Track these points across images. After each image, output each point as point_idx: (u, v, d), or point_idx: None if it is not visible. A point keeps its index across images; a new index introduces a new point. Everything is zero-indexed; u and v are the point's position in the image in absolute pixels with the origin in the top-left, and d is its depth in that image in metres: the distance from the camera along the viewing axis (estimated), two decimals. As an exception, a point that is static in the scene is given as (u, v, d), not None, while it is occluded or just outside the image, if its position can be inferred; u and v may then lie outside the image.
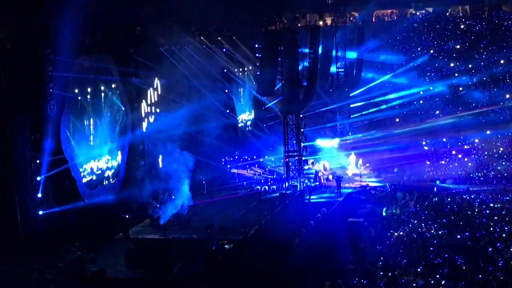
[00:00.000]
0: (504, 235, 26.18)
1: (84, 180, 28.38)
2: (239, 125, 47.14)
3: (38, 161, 26.24)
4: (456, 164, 43.86)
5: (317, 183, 42.77)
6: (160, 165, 33.59)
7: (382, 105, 53.08)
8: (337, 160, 46.31)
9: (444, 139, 47.84)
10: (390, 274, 22.48)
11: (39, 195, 26.32)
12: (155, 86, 34.51)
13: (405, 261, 23.70)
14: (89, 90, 28.69)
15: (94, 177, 29.13)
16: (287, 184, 38.62)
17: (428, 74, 53.43)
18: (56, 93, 26.60)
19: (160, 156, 33.41)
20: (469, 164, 43.78)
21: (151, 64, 33.60)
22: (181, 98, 36.63)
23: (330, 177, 43.84)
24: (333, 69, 51.48)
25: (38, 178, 26.24)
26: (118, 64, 31.00)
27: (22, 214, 26.12)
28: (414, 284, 21.21)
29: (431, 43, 54.44)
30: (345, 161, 45.64)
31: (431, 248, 24.95)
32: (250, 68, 48.74)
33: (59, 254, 26.22)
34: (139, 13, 31.57)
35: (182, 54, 36.85)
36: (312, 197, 37.89)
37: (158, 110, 34.45)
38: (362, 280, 22.20)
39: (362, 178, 44.00)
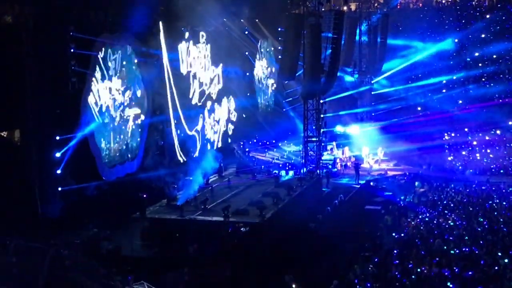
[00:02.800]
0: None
1: (103, 158, 28.46)
2: (259, 109, 47.02)
3: (57, 138, 26.34)
4: (477, 155, 43.48)
5: (336, 169, 42.66)
6: (179, 146, 33.71)
7: (403, 93, 52.73)
8: (357, 147, 46.10)
9: (465, 129, 47.39)
10: (405, 263, 22.39)
11: (58, 171, 26.45)
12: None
13: (421, 251, 23.57)
14: (111, 68, 28.68)
15: (114, 156, 29.21)
16: (305, 169, 38.52)
17: (452, 62, 52.88)
18: (78, 70, 26.67)
19: (179, 137, 33.54)
20: (491, 155, 43.37)
21: (173, 43, 33.50)
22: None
23: (349, 163, 43.69)
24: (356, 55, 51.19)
25: (58, 155, 26.36)
26: (139, 42, 30.90)
27: (40, 191, 26.32)
28: (429, 274, 21.09)
29: (455, 31, 53.83)
30: (365, 148, 45.40)
31: (448, 238, 24.78)
32: (272, 51, 48.57)
33: (75, 231, 26.42)
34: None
35: (206, 35, 36.81)
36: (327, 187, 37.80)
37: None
38: (377, 268, 22.10)
39: (381, 166, 43.82)
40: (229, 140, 40.48)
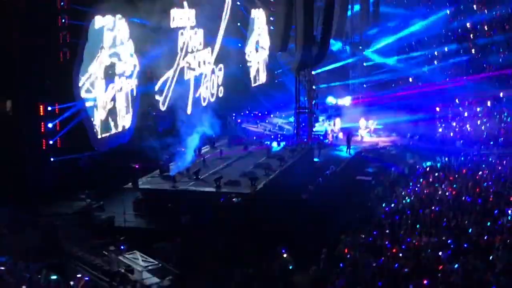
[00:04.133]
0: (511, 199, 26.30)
1: (95, 128, 28.47)
2: (251, 80, 46.91)
3: (49, 108, 26.34)
4: (467, 126, 43.68)
5: (327, 140, 42.81)
6: (172, 116, 33.73)
7: (395, 64, 52.72)
8: (348, 118, 46.18)
9: (456, 101, 47.50)
10: (395, 232, 22.66)
11: (50, 142, 26.48)
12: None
13: (411, 221, 23.84)
14: (104, 40, 28.52)
15: (105, 126, 29.21)
16: (296, 140, 38.58)
17: (444, 33, 52.85)
18: (70, 41, 26.55)
19: (170, 107, 33.55)
20: (482, 127, 43.59)
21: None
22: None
23: (340, 135, 43.83)
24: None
25: (50, 125, 26.37)
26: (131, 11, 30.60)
27: (33, 161, 26.39)
28: (419, 243, 21.38)
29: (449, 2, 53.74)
30: (356, 120, 45.50)
31: (437, 209, 25.05)
32: (264, 22, 48.30)
33: (68, 201, 26.54)
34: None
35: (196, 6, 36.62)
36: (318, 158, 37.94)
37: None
38: (367, 238, 22.36)
39: (373, 136, 43.99)
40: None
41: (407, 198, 27.82)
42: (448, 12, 52.98)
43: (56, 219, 23.93)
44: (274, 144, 37.74)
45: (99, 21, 28.09)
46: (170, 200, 26.55)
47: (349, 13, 49.20)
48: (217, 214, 25.11)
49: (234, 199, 26.49)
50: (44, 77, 26.36)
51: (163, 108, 33.98)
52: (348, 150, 39.81)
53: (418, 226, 23.12)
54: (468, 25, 52.55)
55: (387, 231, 22.86)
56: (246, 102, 46.01)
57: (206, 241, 22.94)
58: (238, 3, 43.60)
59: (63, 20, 26.35)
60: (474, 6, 52.56)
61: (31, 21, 25.36)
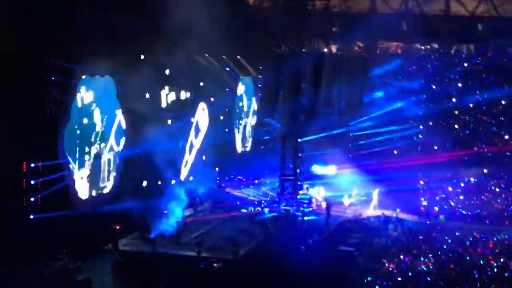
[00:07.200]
0: (496, 273, 26.16)
1: (78, 187, 28.17)
2: (237, 145, 46.98)
3: (32, 165, 26.09)
4: (450, 201, 43.71)
5: (311, 208, 42.59)
6: (155, 179, 33.51)
7: (381, 136, 53.05)
8: (334, 188, 46.08)
9: (441, 177, 47.61)
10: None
11: (31, 199, 26.12)
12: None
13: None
14: (90, 96, 28.54)
15: (88, 186, 28.92)
16: (280, 207, 38.39)
17: (430, 107, 53.57)
18: (57, 97, 26.55)
19: (155, 170, 33.34)
20: (465, 202, 43.65)
21: (157, 80, 33.42)
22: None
23: (324, 204, 43.66)
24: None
25: (32, 182, 26.07)
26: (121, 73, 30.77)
27: (12, 218, 25.92)
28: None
29: (433, 78, 54.68)
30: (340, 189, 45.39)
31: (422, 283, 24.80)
32: (253, 89, 48.72)
33: (46, 260, 25.99)
34: (141, 28, 31.11)
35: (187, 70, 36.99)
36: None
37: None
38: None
39: (356, 207, 43.84)
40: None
41: (389, 270, 27.53)
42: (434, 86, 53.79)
43: (32, 279, 23.39)
44: (258, 210, 37.50)
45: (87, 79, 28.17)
46: (149, 263, 26.10)
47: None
48: (197, 280, 24.67)
49: (215, 264, 26.10)
50: (28, 133, 26.17)
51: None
52: (327, 219, 39.49)
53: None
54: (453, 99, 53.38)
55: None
56: (231, 167, 45.93)
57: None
58: (228, 69, 44.07)
59: (53, 78, 26.38)
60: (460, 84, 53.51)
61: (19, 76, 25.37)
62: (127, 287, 25.10)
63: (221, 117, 41.88)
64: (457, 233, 35.98)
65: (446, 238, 34.63)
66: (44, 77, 26.23)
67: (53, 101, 26.56)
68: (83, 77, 27.93)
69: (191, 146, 38.35)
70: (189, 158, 38.17)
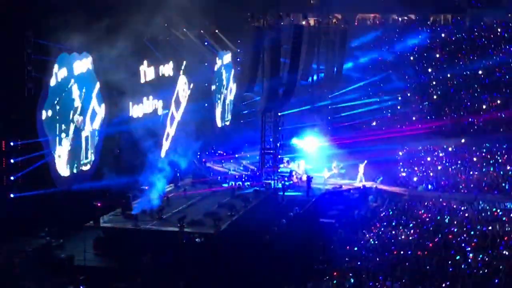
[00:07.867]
0: (473, 244, 26.58)
1: (58, 165, 28.08)
2: (217, 119, 46.98)
3: (12, 144, 25.96)
4: (429, 171, 44.13)
5: (291, 182, 42.83)
6: (136, 155, 33.44)
7: (360, 108, 53.34)
8: (314, 160, 46.30)
9: (419, 147, 48.01)
10: (357, 276, 22.65)
11: (11, 178, 26.04)
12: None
13: (373, 264, 23.87)
14: (67, 73, 28.33)
15: (68, 163, 28.84)
16: (261, 181, 38.58)
17: (408, 79, 53.95)
18: (35, 76, 26.34)
19: (135, 146, 33.27)
20: (443, 171, 44.06)
21: (135, 55, 33.20)
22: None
23: (304, 177, 43.89)
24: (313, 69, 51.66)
25: (12, 161, 25.98)
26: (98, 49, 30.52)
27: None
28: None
29: (411, 49, 55.04)
30: (323, 162, 45.62)
31: (400, 253, 25.16)
32: (231, 63, 48.61)
33: (28, 238, 26.01)
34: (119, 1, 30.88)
35: (165, 45, 36.78)
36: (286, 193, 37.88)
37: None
38: (331, 282, 22.32)
39: (337, 179, 44.15)
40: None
41: (369, 240, 27.91)
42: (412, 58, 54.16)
43: (14, 256, 23.42)
44: (239, 184, 37.66)
45: (65, 56, 27.99)
46: (131, 239, 26.20)
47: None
48: (179, 255, 24.83)
49: (197, 239, 26.27)
50: (7, 112, 26.01)
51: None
52: (307, 191, 39.71)
53: (380, 270, 23.17)
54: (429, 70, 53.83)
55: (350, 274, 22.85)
56: (211, 141, 45.96)
57: (167, 282, 22.63)
58: (206, 43, 43.91)
59: (29, 54, 26.13)
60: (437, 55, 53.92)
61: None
62: (109, 264, 25.17)
63: (201, 92, 41.74)
64: (436, 203, 36.41)
65: (425, 207, 35.09)
66: (22, 54, 26.02)
67: (31, 79, 26.37)
68: (61, 54, 27.66)
69: (172, 117, 38.23)
70: (170, 131, 38.13)
